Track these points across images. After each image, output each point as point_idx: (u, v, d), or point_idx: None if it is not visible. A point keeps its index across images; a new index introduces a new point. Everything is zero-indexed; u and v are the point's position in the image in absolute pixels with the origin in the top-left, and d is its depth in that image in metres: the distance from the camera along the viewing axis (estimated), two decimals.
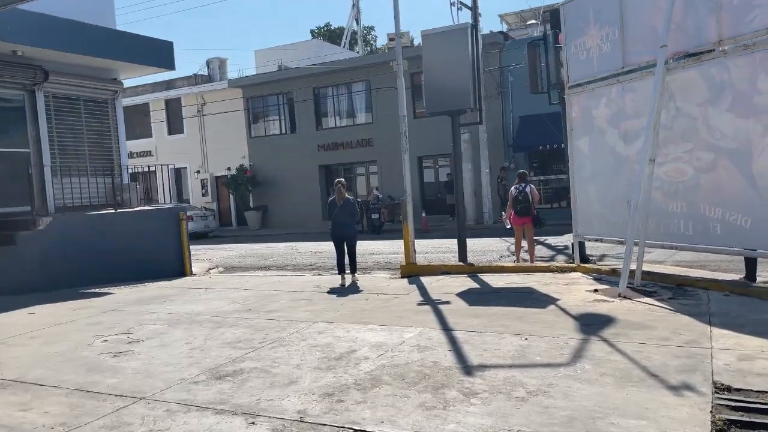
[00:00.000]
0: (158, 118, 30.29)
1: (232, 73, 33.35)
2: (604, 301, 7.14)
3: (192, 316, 7.81)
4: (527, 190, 10.95)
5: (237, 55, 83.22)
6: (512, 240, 12.73)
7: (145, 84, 31.04)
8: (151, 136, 30.66)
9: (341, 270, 9.91)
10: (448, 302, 7.73)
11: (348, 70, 26.11)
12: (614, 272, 8.70)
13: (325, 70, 26.43)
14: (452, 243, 16.98)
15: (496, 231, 20.05)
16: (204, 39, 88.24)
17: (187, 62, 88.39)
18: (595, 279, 8.68)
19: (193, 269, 13.48)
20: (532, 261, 11.02)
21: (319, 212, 27.17)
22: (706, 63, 7.09)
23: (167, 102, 30.33)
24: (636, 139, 8.07)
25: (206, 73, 30.76)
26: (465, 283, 9.34)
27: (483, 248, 14.87)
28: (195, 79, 30.16)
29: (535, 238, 11.83)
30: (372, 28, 55.20)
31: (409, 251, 11.04)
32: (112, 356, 6.02)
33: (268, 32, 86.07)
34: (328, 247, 18.55)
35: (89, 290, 10.69)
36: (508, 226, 11.59)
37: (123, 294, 10.28)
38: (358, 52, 37.31)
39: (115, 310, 8.61)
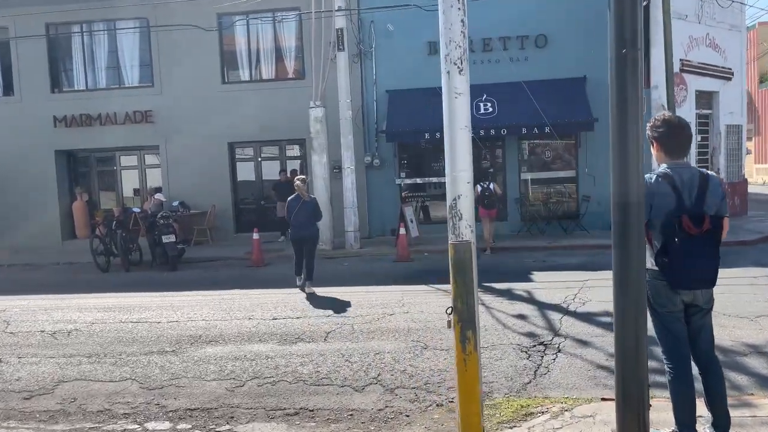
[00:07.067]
0: None
1: None
2: None
3: None
4: (491, 187, 12.97)
5: None
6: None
7: None
8: None
9: (299, 272, 9.41)
10: None
11: None
12: None
13: None
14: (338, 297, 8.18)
15: (380, 262, 12.40)
16: None
17: None
18: None
19: None
20: (490, 243, 12.97)
21: (57, 227, 16.76)
22: None
23: None
24: None
25: None
26: None
27: (399, 324, 7.13)
28: None
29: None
30: None
31: None
32: None
33: None
34: (77, 315, 8.23)
35: None
36: None
37: None
38: None
39: None
